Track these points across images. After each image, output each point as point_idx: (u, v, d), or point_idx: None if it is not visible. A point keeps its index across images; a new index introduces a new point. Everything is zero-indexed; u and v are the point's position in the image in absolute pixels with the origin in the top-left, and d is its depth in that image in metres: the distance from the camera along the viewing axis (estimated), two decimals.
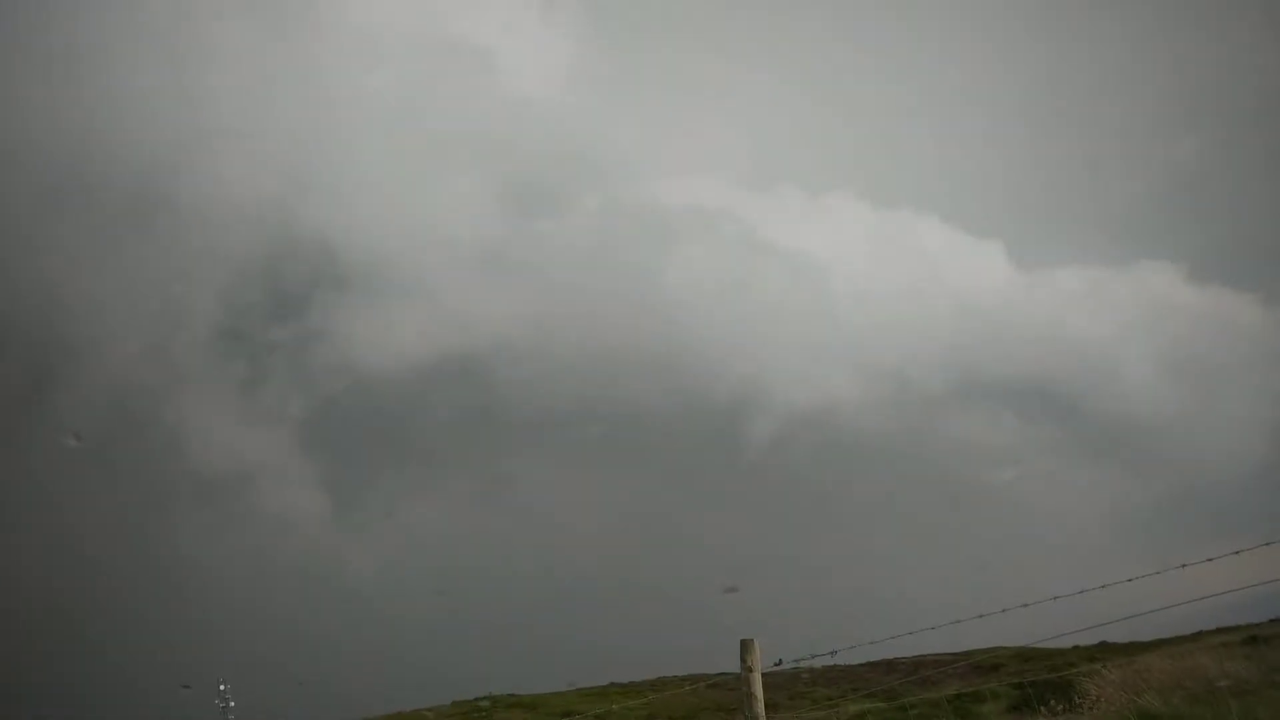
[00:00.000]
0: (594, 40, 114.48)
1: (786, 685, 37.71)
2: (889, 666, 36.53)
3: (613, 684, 47.17)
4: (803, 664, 7.42)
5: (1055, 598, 6.46)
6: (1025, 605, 6.57)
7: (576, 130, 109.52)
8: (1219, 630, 28.15)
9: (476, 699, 44.53)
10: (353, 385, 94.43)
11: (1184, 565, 5.92)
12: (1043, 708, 13.68)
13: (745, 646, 6.92)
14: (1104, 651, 28.04)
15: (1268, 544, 5.68)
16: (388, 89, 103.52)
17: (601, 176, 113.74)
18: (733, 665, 6.88)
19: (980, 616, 6.66)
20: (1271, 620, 27.75)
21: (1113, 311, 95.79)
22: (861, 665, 38.92)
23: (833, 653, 6.92)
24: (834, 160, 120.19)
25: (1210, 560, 5.85)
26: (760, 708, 6.67)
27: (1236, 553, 5.71)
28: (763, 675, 6.85)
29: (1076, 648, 33.25)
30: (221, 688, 43.25)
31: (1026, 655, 31.36)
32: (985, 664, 31.62)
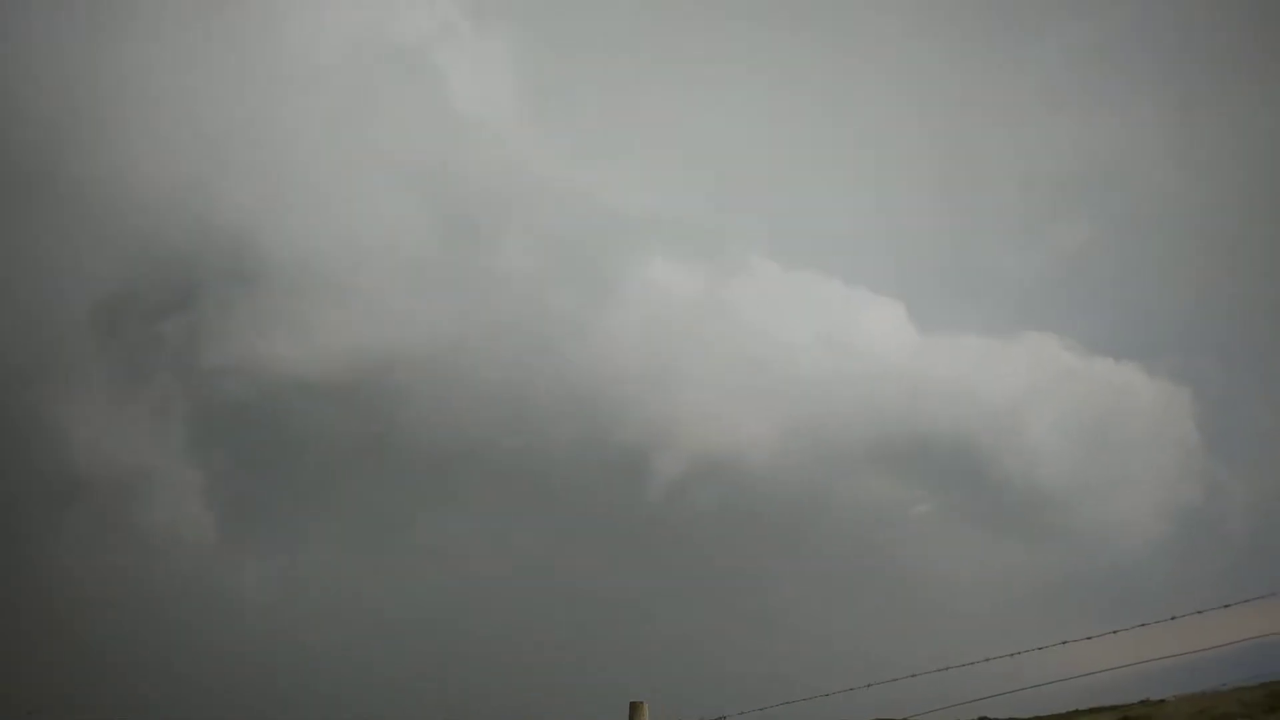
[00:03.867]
0: (535, 62, 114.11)
1: None
2: None
3: None
4: None
5: (944, 669, 6.52)
6: (913, 676, 6.61)
7: (514, 155, 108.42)
8: (1092, 710, 29.01)
9: None
10: (249, 390, 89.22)
11: (1064, 642, 6.05)
12: None
13: (634, 710, 6.78)
14: None
15: (1143, 625, 5.87)
16: (329, 94, 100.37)
17: (531, 207, 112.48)
18: None
19: (868, 686, 6.66)
20: (1142, 701, 28.78)
21: (1012, 378, 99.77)
22: None
23: (723, 718, 6.83)
24: (748, 221, 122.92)
25: (1090, 638, 5.99)
26: None
27: (1114, 632, 5.86)
28: None
29: None
30: None
31: None
32: None
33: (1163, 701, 26.12)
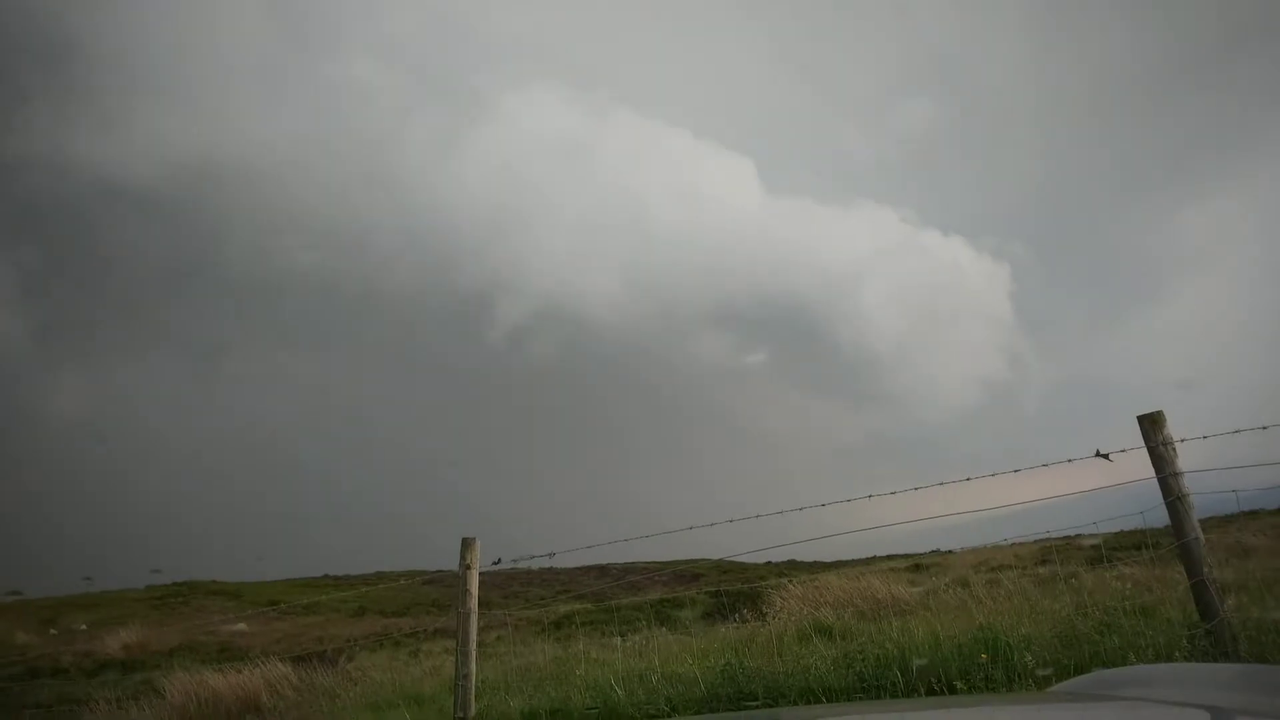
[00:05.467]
0: None
1: (502, 585, 38.64)
2: (601, 571, 38.37)
3: (327, 576, 46.10)
4: (520, 564, 7.55)
5: (757, 516, 6.90)
6: (730, 521, 6.96)
7: None
8: (889, 557, 31.96)
9: (175, 582, 41.93)
10: (56, 189, 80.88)
11: (870, 496, 6.52)
12: (734, 615, 14.86)
13: (466, 544, 6.94)
14: (791, 569, 30.89)
15: (940, 484, 6.40)
16: None
17: (386, 12, 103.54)
18: (454, 564, 6.88)
19: (689, 528, 6.99)
20: (932, 550, 31.94)
21: (849, 243, 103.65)
22: (576, 569, 40.57)
23: (550, 555, 7.08)
24: (600, 62, 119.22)
25: (893, 493, 6.47)
26: (473, 603, 6.74)
27: (915, 489, 6.36)
28: (480, 574, 6.91)
29: (769, 564, 36.52)
30: None
31: (724, 568, 33.92)
32: (687, 573, 33.94)
33: (950, 553, 29.01)
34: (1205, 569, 5.09)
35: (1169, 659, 5.08)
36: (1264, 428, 5.14)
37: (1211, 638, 4.95)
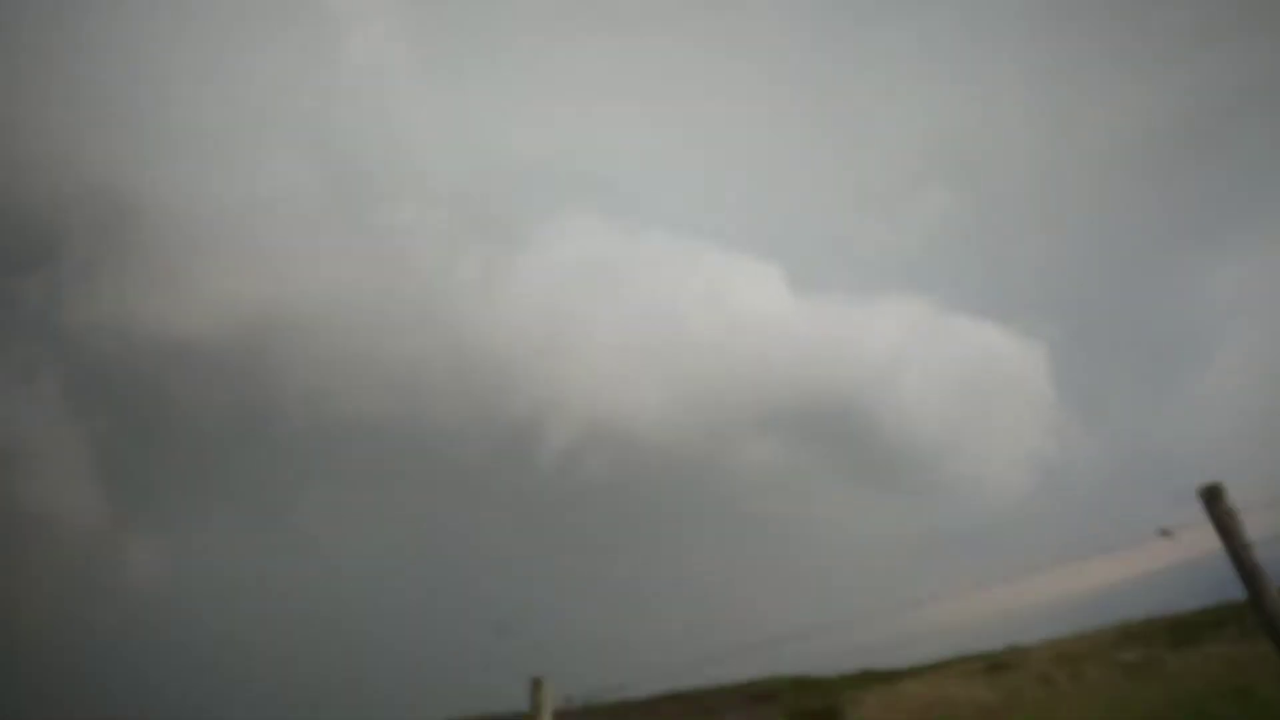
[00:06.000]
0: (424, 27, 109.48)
1: None
2: (675, 698, 37.21)
3: None
4: (593, 700, 7.48)
5: (822, 626, 6.85)
6: (799, 636, 6.91)
7: (409, 114, 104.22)
8: (962, 659, 30.73)
9: None
10: (123, 351, 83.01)
11: (933, 597, 6.45)
12: None
13: (536, 685, 6.91)
14: (867, 679, 29.79)
15: (1005, 579, 6.33)
16: (206, 39, 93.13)
17: (428, 159, 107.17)
18: (525, 704, 6.84)
19: (754, 646, 6.95)
20: (1009, 648, 30.65)
21: (882, 337, 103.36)
22: (648, 699, 39.40)
23: (621, 686, 7.03)
24: (632, 186, 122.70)
25: (956, 593, 6.40)
26: None
27: (979, 586, 6.29)
28: (554, 714, 6.85)
29: (844, 676, 35.22)
30: None
31: (800, 684, 32.81)
32: (764, 693, 32.83)
33: (1027, 648, 27.87)
34: None
35: None
36: None
37: None
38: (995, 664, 24.62)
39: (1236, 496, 5.30)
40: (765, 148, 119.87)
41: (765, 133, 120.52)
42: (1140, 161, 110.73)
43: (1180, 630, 14.09)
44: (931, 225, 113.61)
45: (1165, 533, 5.27)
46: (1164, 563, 5.63)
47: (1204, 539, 5.24)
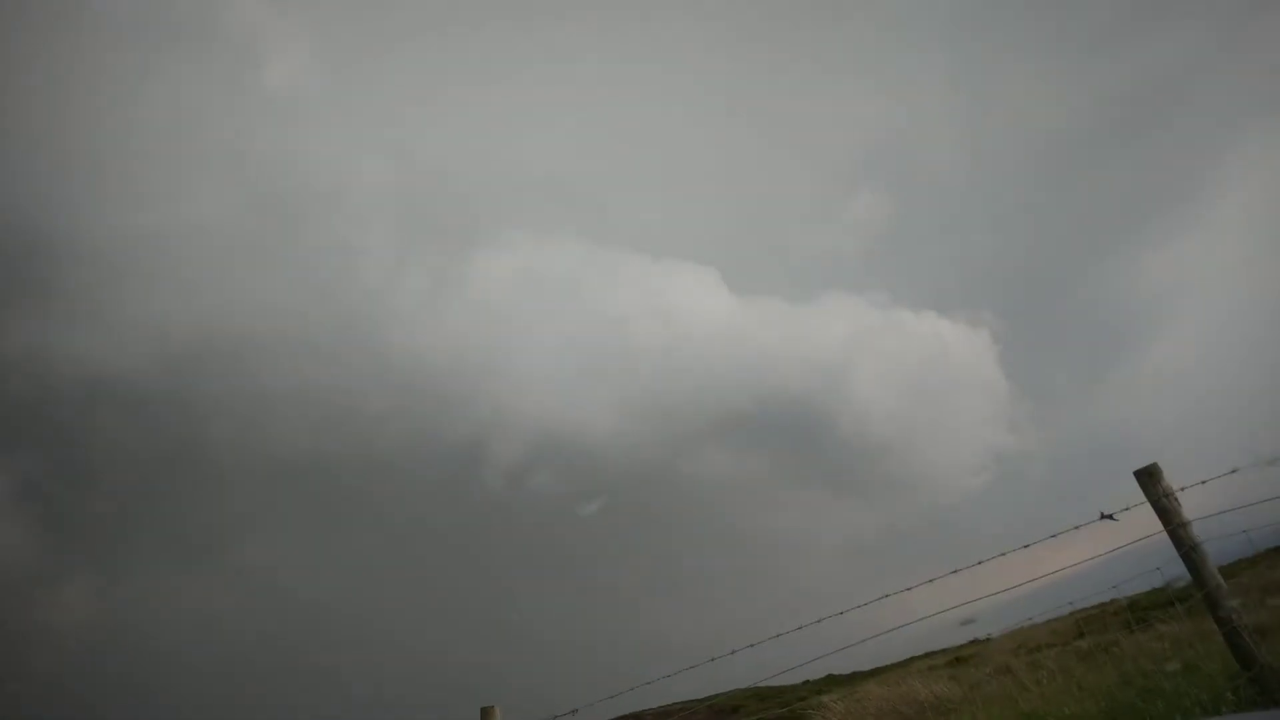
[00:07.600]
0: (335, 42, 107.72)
1: None
2: (636, 718, 36.90)
3: None
4: None
5: (778, 635, 6.74)
6: (752, 645, 6.78)
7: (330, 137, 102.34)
8: (926, 655, 30.94)
9: None
10: (42, 391, 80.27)
11: (885, 595, 6.39)
12: None
13: (485, 714, 6.72)
14: (830, 683, 29.87)
15: (954, 571, 6.30)
16: (119, 61, 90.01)
17: (353, 183, 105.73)
18: None
19: (712, 660, 6.81)
20: (972, 641, 30.98)
21: (827, 335, 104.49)
22: None
23: (574, 711, 6.85)
24: (558, 200, 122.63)
25: (908, 589, 6.35)
26: None
27: (930, 581, 6.25)
28: None
29: (806, 682, 35.26)
30: None
31: (762, 694, 32.78)
32: (726, 706, 32.72)
33: (988, 639, 28.19)
34: (1234, 616, 4.99)
35: (1216, 714, 4.94)
36: (1269, 463, 5.15)
37: (1257, 685, 4.83)
38: (957, 658, 24.85)
39: (1179, 476, 5.35)
40: (704, 161, 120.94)
41: (703, 146, 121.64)
42: (1063, 156, 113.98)
43: (1134, 612, 14.32)
44: (863, 225, 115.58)
45: (1107, 516, 5.28)
46: (1112, 546, 5.65)
47: (1150, 521, 5.27)
